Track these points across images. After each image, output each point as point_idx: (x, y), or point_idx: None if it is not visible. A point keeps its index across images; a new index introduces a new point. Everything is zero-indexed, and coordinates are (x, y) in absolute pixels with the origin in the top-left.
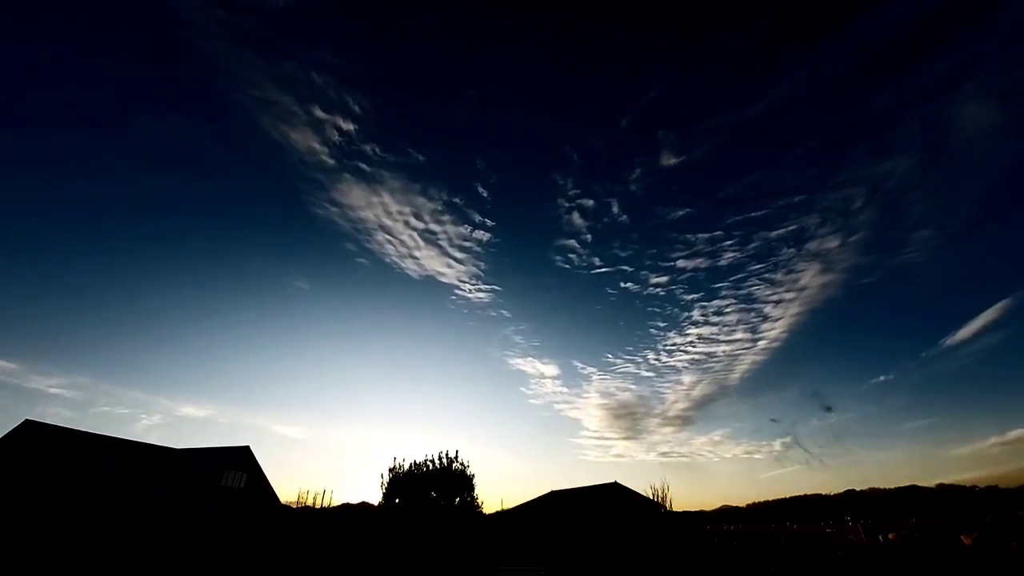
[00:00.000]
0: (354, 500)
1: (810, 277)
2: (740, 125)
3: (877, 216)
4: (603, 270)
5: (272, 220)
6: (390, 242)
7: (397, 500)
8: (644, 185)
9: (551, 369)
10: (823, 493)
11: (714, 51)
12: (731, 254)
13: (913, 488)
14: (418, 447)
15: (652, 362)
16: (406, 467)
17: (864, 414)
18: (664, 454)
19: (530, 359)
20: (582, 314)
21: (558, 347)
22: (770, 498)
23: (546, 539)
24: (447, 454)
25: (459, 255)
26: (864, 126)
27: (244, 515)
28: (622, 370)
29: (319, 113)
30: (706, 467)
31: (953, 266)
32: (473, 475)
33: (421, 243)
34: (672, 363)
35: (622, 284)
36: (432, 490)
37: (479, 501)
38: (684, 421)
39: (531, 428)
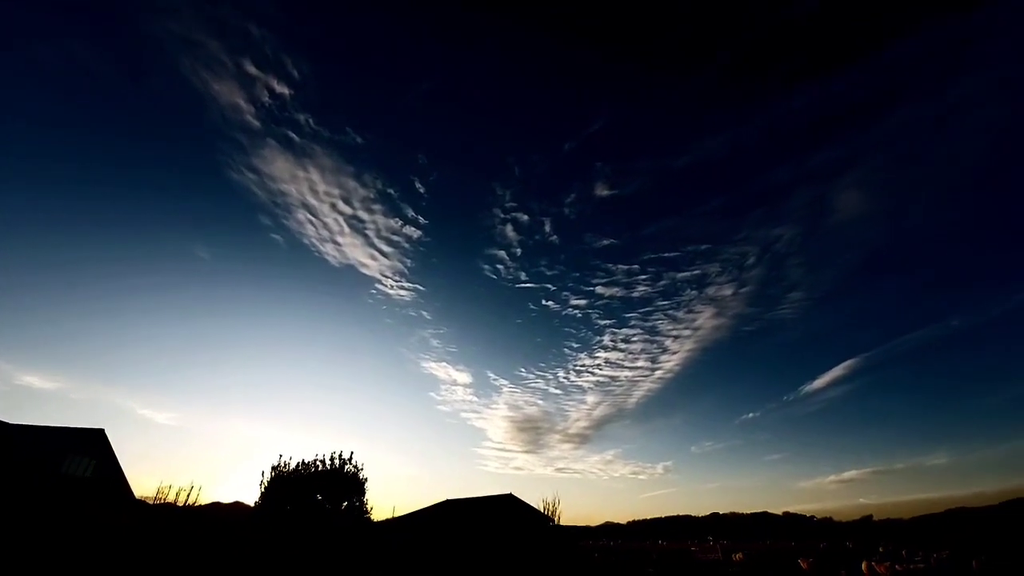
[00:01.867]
0: (227, 499)
1: (705, 319)
2: (667, 171)
3: (763, 274)
4: (528, 285)
5: (175, 173)
6: (311, 223)
7: (276, 502)
8: (577, 210)
9: (464, 377)
10: (693, 514)
11: (657, 99)
12: (643, 288)
13: (765, 514)
14: (311, 446)
15: (561, 380)
16: (292, 466)
17: (732, 446)
18: (560, 469)
19: (444, 364)
20: (502, 326)
21: (474, 355)
22: (648, 516)
23: (436, 548)
24: (340, 455)
25: (386, 248)
26: (765, 194)
27: (85, 508)
28: (533, 385)
29: (251, 68)
30: (596, 484)
31: (815, 326)
32: (366, 479)
33: (346, 229)
34: (579, 383)
35: (544, 301)
36: (318, 493)
37: (368, 506)
38: (582, 439)
39: (435, 434)
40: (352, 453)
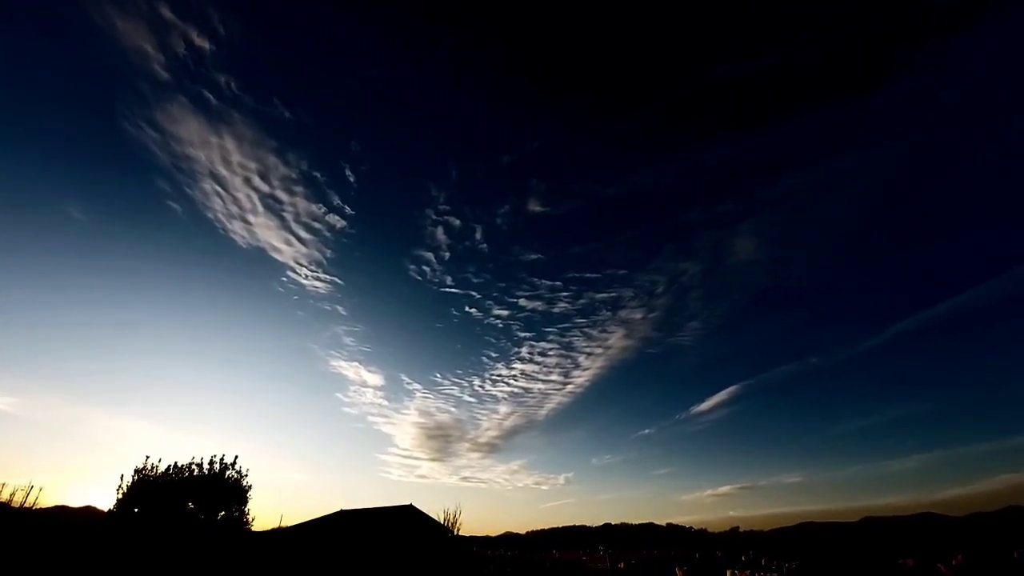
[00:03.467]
0: (76, 503)
1: (616, 339)
2: (598, 198)
3: (670, 302)
4: (453, 290)
5: (53, 110)
6: (219, 195)
7: (136, 509)
8: (509, 222)
9: (376, 379)
10: (587, 524)
11: (595, 131)
12: (564, 304)
13: (651, 525)
14: (190, 448)
15: (476, 388)
16: (161, 470)
17: (627, 459)
18: (465, 478)
19: (356, 364)
20: (422, 329)
21: (389, 357)
22: (546, 527)
23: (326, 562)
24: (221, 459)
25: (304, 234)
26: (677, 231)
27: None
28: (447, 391)
29: (166, 13)
30: (500, 494)
31: (708, 353)
32: (250, 486)
33: (260, 208)
34: (494, 392)
35: (467, 308)
36: (191, 501)
37: (249, 517)
38: (491, 448)
39: (338, 438)
40: (236, 458)
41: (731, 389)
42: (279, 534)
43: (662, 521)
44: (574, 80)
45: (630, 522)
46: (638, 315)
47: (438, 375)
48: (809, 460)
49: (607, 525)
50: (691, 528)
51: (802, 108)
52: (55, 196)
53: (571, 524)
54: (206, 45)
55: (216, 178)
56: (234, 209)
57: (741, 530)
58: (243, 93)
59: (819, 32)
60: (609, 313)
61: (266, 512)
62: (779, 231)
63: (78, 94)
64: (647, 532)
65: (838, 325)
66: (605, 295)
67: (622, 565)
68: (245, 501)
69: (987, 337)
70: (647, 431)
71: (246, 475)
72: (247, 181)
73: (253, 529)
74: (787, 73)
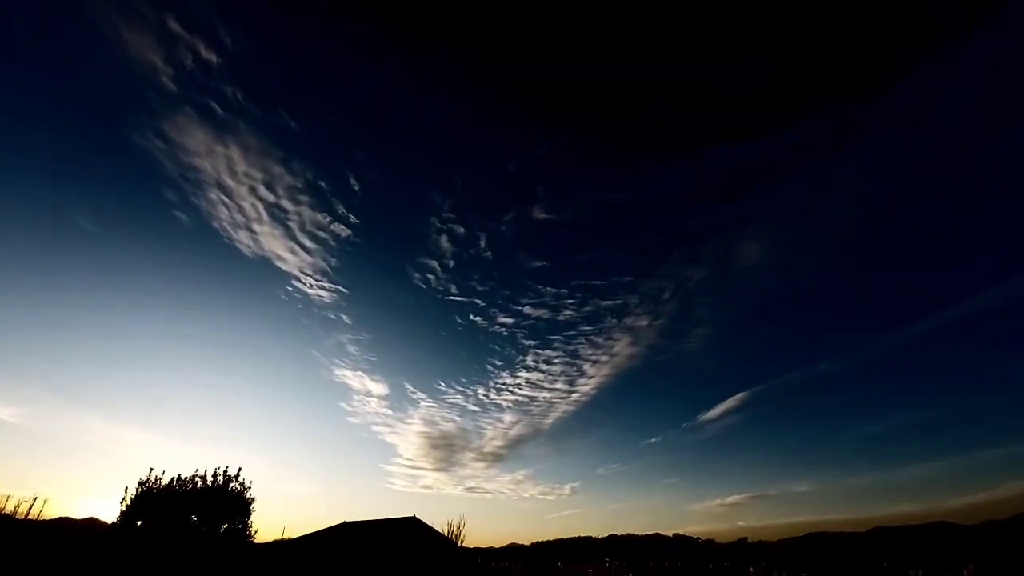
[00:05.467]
0: (79, 515)
1: (622, 346)
2: (603, 204)
3: (676, 309)
4: (457, 298)
5: (64, 122)
6: (225, 205)
7: (140, 521)
8: (514, 229)
9: (380, 388)
10: (593, 535)
11: (600, 135)
12: (569, 312)
13: (658, 535)
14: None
15: (481, 397)
16: (165, 482)
17: (634, 468)
18: (470, 489)
19: (360, 373)
20: (426, 337)
21: (393, 366)
22: (552, 538)
23: (331, 573)
24: (224, 471)
25: (308, 243)
26: (685, 236)
27: None
28: (451, 400)
29: (174, 26)
30: (505, 504)
31: (716, 360)
32: (253, 498)
33: (265, 217)
34: (499, 401)
35: (472, 316)
36: (194, 513)
37: (252, 529)
38: (496, 458)
39: (341, 449)
40: (239, 470)
41: (740, 396)
42: (281, 547)
43: (669, 532)
44: (578, 86)
45: (636, 533)
46: (644, 322)
47: (442, 384)
48: (818, 468)
49: (613, 536)
50: (698, 539)
51: (807, 111)
52: (64, 206)
53: (577, 535)
54: (213, 57)
55: (222, 188)
56: (240, 218)
57: (749, 540)
58: (249, 103)
59: (824, 36)
60: (615, 320)
61: (269, 525)
62: (785, 235)
63: (88, 106)
64: (654, 543)
65: (847, 329)
66: (611, 302)
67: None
68: (248, 514)
69: (1000, 340)
70: (654, 439)
71: (249, 487)
72: (252, 191)
73: (255, 542)
74: (791, 77)
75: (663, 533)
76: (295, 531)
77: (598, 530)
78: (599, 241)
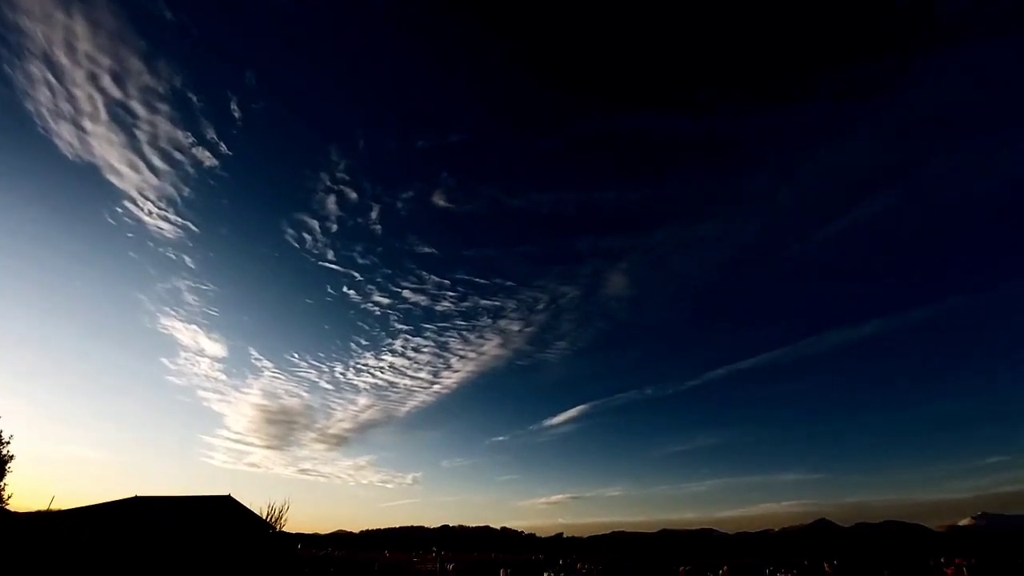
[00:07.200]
0: None
1: (491, 346)
2: (502, 208)
3: (545, 320)
4: (333, 266)
5: None
6: (49, 86)
7: None
8: (410, 209)
9: (217, 348)
10: (426, 525)
11: (512, 139)
12: (447, 304)
13: (487, 528)
14: None
15: (337, 375)
16: None
17: (477, 464)
18: (304, 470)
19: (194, 328)
20: (288, 302)
21: (239, 325)
22: (383, 526)
23: (111, 556)
24: None
25: (157, 162)
26: (566, 256)
27: None
28: (301, 374)
29: None
30: (341, 489)
31: (569, 372)
32: (11, 455)
33: (103, 115)
34: (356, 382)
35: (345, 288)
36: None
37: (5, 493)
38: (340, 441)
39: (152, 411)
40: None
41: (581, 407)
42: (46, 518)
43: (498, 525)
44: (502, 84)
45: (468, 524)
46: (516, 327)
47: (295, 355)
48: (629, 476)
49: (445, 527)
50: (522, 532)
51: (686, 170)
52: None
53: (410, 524)
54: None
55: (51, 63)
56: (66, 108)
57: (565, 536)
58: None
59: (714, 110)
60: (490, 320)
61: (35, 491)
62: (645, 275)
63: None
64: (483, 535)
65: (676, 362)
66: (489, 302)
67: (451, 567)
68: (2, 473)
69: (776, 390)
70: (501, 438)
71: (8, 442)
72: (93, 79)
73: (9, 509)
74: (679, 137)
75: (492, 526)
76: (70, 502)
77: (433, 521)
78: (491, 242)
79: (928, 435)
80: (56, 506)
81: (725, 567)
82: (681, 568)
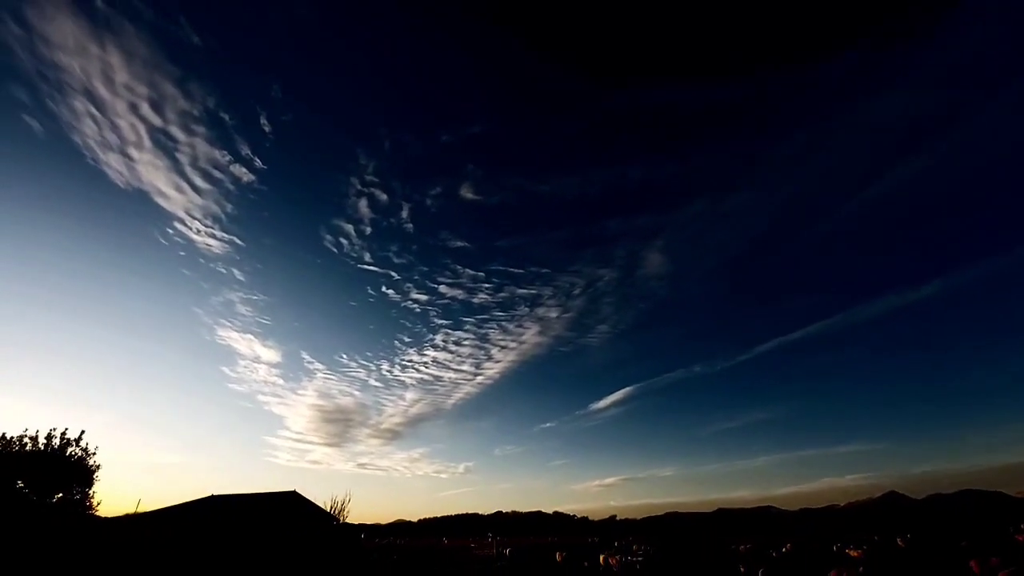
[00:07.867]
0: None
1: (531, 335)
2: (530, 195)
3: (584, 305)
4: (371, 268)
5: None
6: (94, 119)
7: None
8: (440, 205)
9: (272, 355)
10: (480, 512)
11: (535, 126)
12: (484, 296)
13: (539, 513)
14: (32, 417)
15: (384, 373)
16: None
17: (528, 450)
18: (362, 465)
19: (250, 337)
20: (332, 305)
21: (290, 332)
22: (440, 515)
23: (188, 553)
24: (62, 434)
25: (200, 182)
26: (599, 238)
27: None
28: (352, 374)
29: None
30: (398, 482)
31: (612, 355)
32: (97, 466)
33: (147, 143)
34: (403, 378)
35: (384, 288)
36: (20, 479)
37: (94, 500)
38: (393, 435)
39: (218, 417)
40: (82, 433)
41: (627, 390)
42: (133, 520)
43: (550, 509)
44: (519, 71)
45: (520, 510)
46: (554, 313)
47: (344, 356)
48: (681, 456)
49: (499, 513)
50: (575, 516)
51: (715, 140)
52: None
53: (464, 512)
54: None
55: (92, 98)
56: (112, 139)
57: (618, 518)
58: (142, 4)
59: (743, 74)
60: (527, 309)
61: (122, 496)
62: (681, 251)
63: None
64: (536, 519)
65: (722, 339)
66: (525, 291)
67: (507, 551)
68: (89, 483)
69: (829, 360)
70: (549, 424)
71: (94, 453)
72: (133, 108)
73: (99, 514)
74: (708, 107)
75: (544, 511)
76: (153, 504)
77: (486, 508)
78: (522, 230)
79: (1001, 396)
80: (142, 508)
81: (788, 544)
82: (741, 547)
